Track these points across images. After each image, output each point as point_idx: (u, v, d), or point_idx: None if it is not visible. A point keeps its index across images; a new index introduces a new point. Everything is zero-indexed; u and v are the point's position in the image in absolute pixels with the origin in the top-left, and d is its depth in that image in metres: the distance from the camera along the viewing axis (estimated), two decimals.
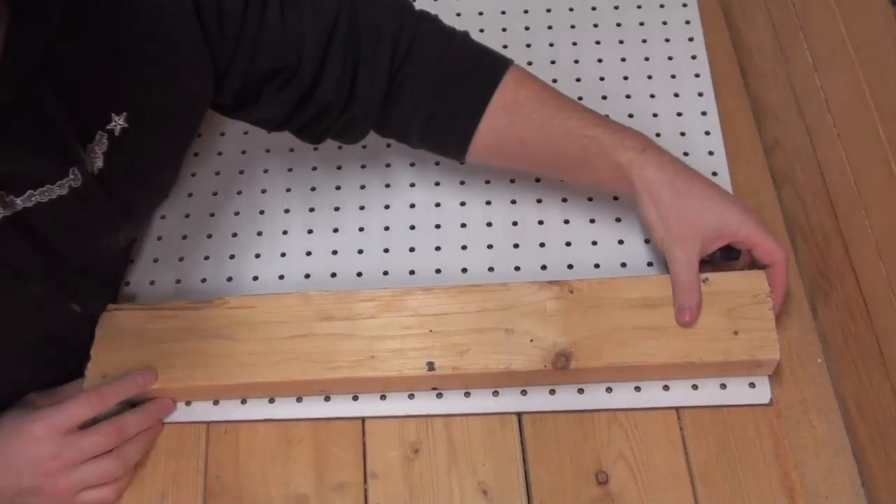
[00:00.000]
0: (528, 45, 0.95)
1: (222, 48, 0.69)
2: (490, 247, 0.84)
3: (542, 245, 0.84)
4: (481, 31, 0.97)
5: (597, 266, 0.82)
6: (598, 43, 0.96)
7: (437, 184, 0.88)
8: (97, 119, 0.64)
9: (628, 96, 0.92)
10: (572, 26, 0.97)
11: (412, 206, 0.87)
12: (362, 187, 0.88)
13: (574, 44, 0.96)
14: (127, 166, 0.67)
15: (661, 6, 0.98)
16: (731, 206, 0.74)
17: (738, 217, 0.73)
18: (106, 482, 0.71)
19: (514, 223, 0.85)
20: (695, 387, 0.76)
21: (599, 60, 0.95)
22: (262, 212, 0.88)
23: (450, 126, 0.77)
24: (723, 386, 0.76)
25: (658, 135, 0.89)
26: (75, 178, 0.63)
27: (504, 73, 0.76)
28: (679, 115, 0.90)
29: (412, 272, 0.83)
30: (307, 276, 0.83)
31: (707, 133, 0.89)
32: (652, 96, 0.92)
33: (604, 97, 0.92)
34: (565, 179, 0.84)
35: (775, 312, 0.74)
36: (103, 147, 0.65)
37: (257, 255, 0.85)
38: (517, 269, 0.83)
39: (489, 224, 0.85)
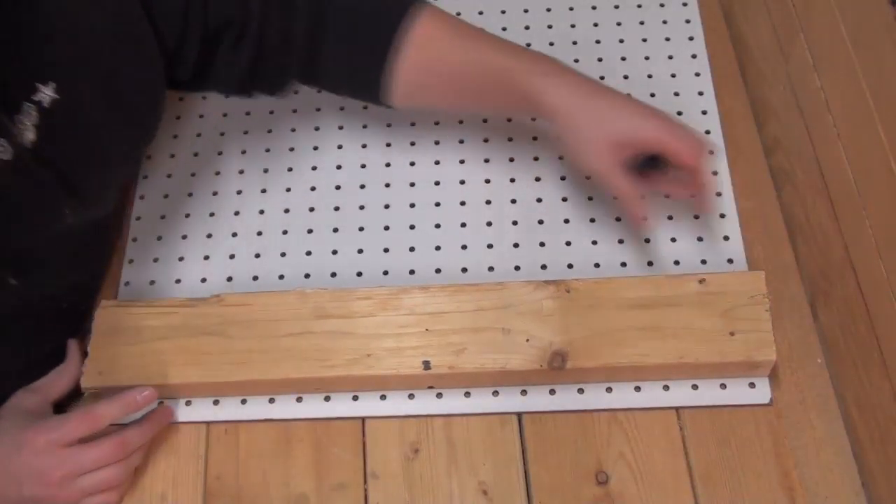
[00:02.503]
0: (528, 45, 0.95)
1: (171, 21, 0.70)
2: (490, 246, 0.84)
3: (542, 245, 0.84)
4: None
5: (597, 266, 0.82)
6: (598, 42, 0.96)
7: (437, 183, 0.88)
8: (21, 88, 0.63)
9: (628, 95, 0.92)
10: (572, 25, 0.97)
11: (412, 205, 0.87)
12: (362, 187, 0.88)
13: (574, 42, 0.96)
14: (65, 142, 0.67)
15: (661, 5, 0.98)
16: (644, 111, 0.75)
17: (651, 121, 0.74)
18: (108, 489, 0.71)
19: (514, 223, 0.85)
20: (695, 387, 0.76)
21: (599, 59, 0.94)
22: (261, 211, 0.88)
23: (366, 69, 0.78)
24: (723, 386, 0.76)
25: None
26: (4, 150, 0.62)
27: (416, 10, 0.77)
28: (679, 114, 0.90)
29: (412, 272, 0.83)
30: (307, 275, 0.83)
31: (707, 133, 0.89)
32: (652, 95, 0.92)
33: None
34: (488, 113, 0.86)
35: (705, 211, 0.77)
36: (33, 119, 0.64)
37: (257, 255, 0.85)
38: (517, 268, 0.83)
39: (489, 224, 0.85)
